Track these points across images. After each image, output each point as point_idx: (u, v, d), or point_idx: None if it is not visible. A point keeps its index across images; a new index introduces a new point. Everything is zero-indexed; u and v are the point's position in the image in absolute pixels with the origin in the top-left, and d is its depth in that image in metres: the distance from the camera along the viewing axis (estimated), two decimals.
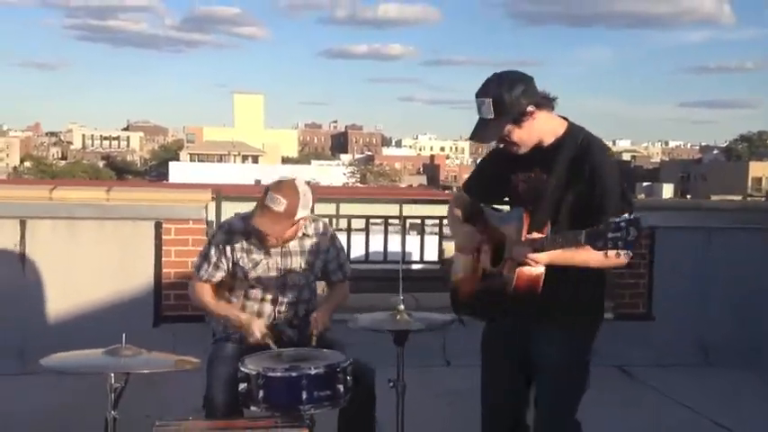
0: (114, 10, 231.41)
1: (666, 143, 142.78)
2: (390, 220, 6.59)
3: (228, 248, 3.41)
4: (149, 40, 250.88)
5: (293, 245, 3.44)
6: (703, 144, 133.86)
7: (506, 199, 3.06)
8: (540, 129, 2.81)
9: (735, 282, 6.12)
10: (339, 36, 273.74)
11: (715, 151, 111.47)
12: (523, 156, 2.85)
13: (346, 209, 6.80)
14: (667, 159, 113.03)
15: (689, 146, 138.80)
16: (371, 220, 6.55)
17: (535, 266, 2.64)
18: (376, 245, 6.53)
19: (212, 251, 3.45)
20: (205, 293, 3.48)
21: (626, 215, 2.36)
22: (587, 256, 2.60)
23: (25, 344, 5.27)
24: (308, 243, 3.48)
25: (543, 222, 2.69)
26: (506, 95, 2.72)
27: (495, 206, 3.12)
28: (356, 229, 6.63)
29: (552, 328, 2.82)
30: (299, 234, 3.44)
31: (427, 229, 7.05)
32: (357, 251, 6.48)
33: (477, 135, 2.82)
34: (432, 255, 6.98)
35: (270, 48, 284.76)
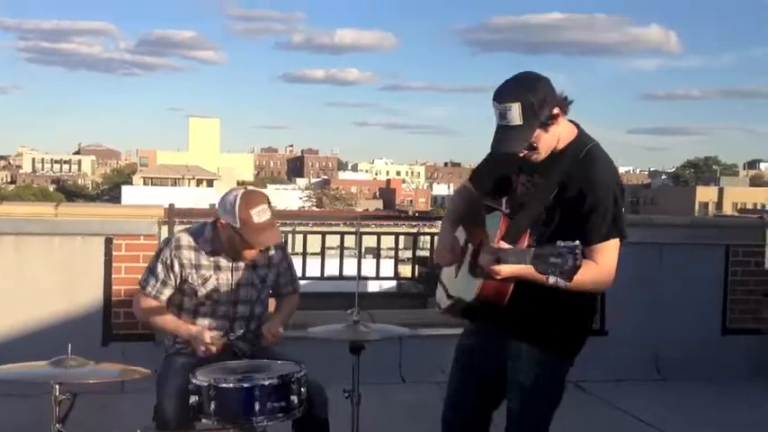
0: (68, 33, 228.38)
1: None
2: (346, 244, 6.57)
3: (177, 264, 3.31)
4: (103, 63, 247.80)
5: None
6: (652, 169, 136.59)
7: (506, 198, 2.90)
8: (560, 133, 2.65)
9: (685, 297, 6.19)
10: (296, 61, 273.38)
11: (663, 176, 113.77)
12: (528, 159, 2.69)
13: (302, 230, 6.77)
14: None
15: (638, 171, 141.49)
16: (328, 244, 6.54)
17: (497, 278, 2.52)
18: (332, 268, 6.51)
19: (159, 267, 3.33)
20: (152, 309, 3.37)
21: (572, 242, 2.26)
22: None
23: None
24: (261, 257, 3.39)
25: (522, 231, 2.60)
26: (533, 98, 2.54)
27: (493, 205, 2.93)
28: (312, 253, 6.61)
29: (527, 344, 2.73)
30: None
31: (383, 253, 7.06)
32: (313, 270, 6.45)
33: (505, 144, 2.60)
34: (388, 272, 6.99)
35: (226, 72, 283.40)
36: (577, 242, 2.29)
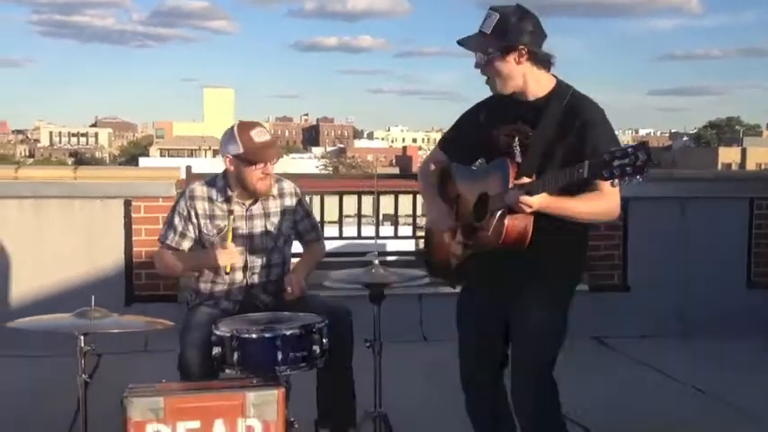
0: (81, 5, 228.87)
1: (636, 131, 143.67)
2: (364, 211, 6.53)
3: (192, 214, 3.35)
4: (117, 35, 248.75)
5: (256, 208, 3.37)
6: (673, 131, 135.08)
7: (481, 160, 2.95)
8: (523, 77, 2.71)
9: (709, 251, 6.13)
10: (309, 29, 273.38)
11: (684, 138, 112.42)
12: (507, 110, 2.77)
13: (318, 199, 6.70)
14: None
15: (659, 133, 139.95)
16: (345, 211, 6.50)
17: (528, 211, 2.54)
18: (350, 231, 6.47)
19: (176, 219, 3.37)
20: (172, 258, 3.40)
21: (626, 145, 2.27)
22: (577, 205, 2.59)
23: None
24: (273, 204, 3.41)
25: (529, 174, 2.60)
26: (513, 21, 2.65)
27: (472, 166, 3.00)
28: (330, 222, 6.58)
29: (536, 286, 2.75)
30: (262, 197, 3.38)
31: (401, 220, 7.01)
32: (330, 232, 6.43)
33: (465, 40, 2.72)
34: (406, 231, 6.96)
35: (239, 41, 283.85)
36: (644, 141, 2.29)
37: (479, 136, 2.87)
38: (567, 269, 2.84)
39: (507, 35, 2.65)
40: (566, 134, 2.66)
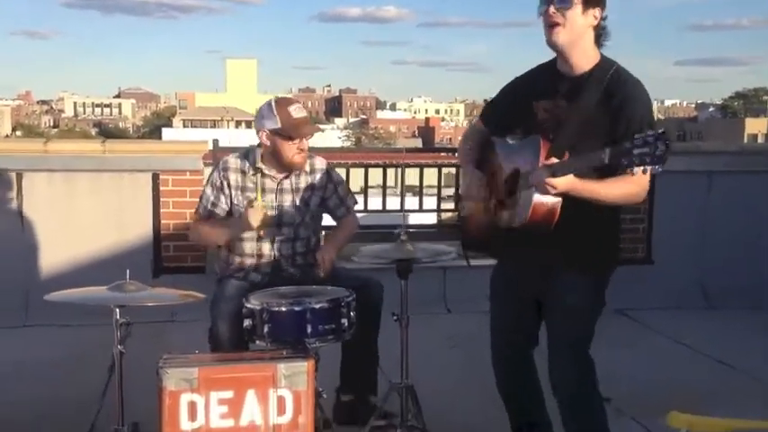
0: None
1: (662, 102, 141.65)
2: (389, 183, 6.54)
3: (225, 185, 3.42)
4: (140, 6, 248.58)
5: (287, 182, 3.43)
6: (699, 102, 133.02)
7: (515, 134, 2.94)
8: (581, 41, 2.67)
9: (735, 224, 6.11)
10: None
11: (711, 109, 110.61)
12: (548, 83, 2.76)
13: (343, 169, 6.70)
14: (663, 118, 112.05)
15: (685, 104, 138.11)
16: (370, 181, 6.52)
17: (552, 192, 2.52)
18: (374, 205, 6.50)
19: (209, 190, 3.47)
20: (204, 227, 3.49)
21: (651, 131, 2.28)
22: (604, 188, 2.57)
23: (27, 297, 5.26)
24: (303, 180, 3.47)
25: (562, 151, 2.58)
26: None
27: (509, 138, 2.97)
28: (354, 192, 6.59)
29: (570, 270, 2.75)
30: (296, 170, 3.43)
31: (426, 191, 7.02)
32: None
33: None
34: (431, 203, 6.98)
35: (263, 12, 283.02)
36: (662, 129, 2.28)
37: (520, 109, 2.84)
38: (600, 248, 2.80)
39: None
40: (604, 111, 2.63)
